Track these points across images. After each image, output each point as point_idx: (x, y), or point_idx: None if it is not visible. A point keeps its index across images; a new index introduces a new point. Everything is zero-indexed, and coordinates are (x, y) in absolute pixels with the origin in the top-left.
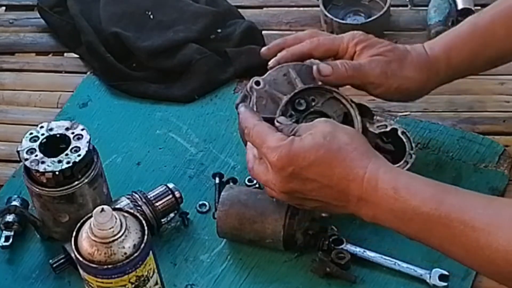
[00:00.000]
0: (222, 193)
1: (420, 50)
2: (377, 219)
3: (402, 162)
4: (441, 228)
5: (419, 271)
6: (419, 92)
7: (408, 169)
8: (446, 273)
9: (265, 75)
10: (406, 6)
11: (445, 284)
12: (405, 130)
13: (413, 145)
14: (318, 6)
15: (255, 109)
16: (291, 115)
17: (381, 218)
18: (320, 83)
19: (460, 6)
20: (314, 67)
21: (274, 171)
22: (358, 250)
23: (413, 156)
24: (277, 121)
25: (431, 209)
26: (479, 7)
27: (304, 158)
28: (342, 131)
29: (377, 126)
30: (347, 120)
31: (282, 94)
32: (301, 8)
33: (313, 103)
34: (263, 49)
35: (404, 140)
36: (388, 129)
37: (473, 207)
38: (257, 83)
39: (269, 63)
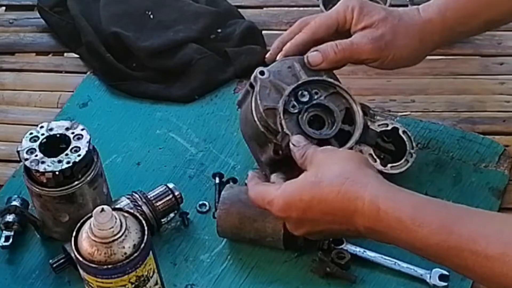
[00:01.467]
0: (223, 192)
1: (413, 13)
2: (395, 244)
3: (402, 161)
4: (453, 258)
5: (419, 271)
6: (415, 57)
7: (408, 168)
8: (446, 273)
9: (270, 66)
10: (406, 6)
11: (445, 284)
12: (406, 130)
13: (414, 144)
14: (318, 6)
15: (258, 99)
16: (293, 106)
17: (394, 243)
18: (324, 76)
19: None
20: (305, 59)
21: (286, 222)
22: (358, 250)
23: (414, 155)
24: (292, 143)
25: (440, 240)
26: None
27: (300, 201)
28: (332, 160)
29: (378, 125)
30: (349, 115)
31: (286, 85)
32: (301, 8)
33: (315, 96)
34: (267, 55)
35: (405, 139)
36: (389, 127)
37: (485, 236)
38: (262, 72)
39: (277, 58)
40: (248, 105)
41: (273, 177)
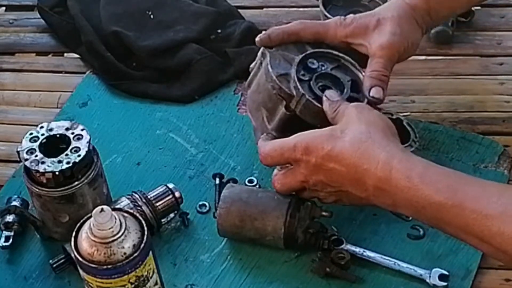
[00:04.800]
0: (223, 191)
1: (398, 4)
2: (396, 207)
3: (406, 145)
4: (454, 217)
5: (419, 271)
6: (418, 40)
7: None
8: (446, 273)
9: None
10: None
11: (445, 284)
12: (409, 122)
13: (417, 134)
14: (318, 6)
15: (270, 68)
16: (303, 74)
17: (399, 206)
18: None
19: None
20: (367, 96)
21: (302, 167)
22: (358, 250)
23: (417, 143)
24: (326, 96)
25: (445, 198)
26: (478, 7)
27: (322, 148)
28: (361, 119)
29: (383, 113)
30: (355, 86)
31: (294, 55)
32: (301, 8)
33: (323, 68)
34: (259, 36)
35: (409, 129)
36: (394, 117)
37: (487, 196)
38: (270, 47)
39: (257, 37)
40: (260, 75)
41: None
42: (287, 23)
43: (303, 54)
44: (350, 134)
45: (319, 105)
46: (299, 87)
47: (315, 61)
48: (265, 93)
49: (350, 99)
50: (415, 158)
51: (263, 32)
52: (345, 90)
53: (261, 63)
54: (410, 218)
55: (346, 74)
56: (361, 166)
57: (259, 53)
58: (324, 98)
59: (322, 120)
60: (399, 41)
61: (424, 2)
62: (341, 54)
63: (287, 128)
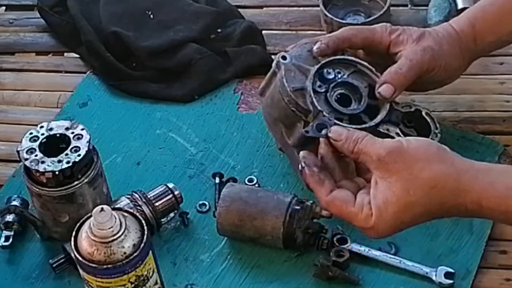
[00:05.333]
0: (223, 190)
1: (446, 27)
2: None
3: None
4: None
5: (425, 269)
6: (459, 66)
7: None
8: (452, 270)
9: (290, 51)
10: (406, 5)
11: (451, 281)
12: (428, 111)
13: (438, 125)
14: (318, 6)
15: (285, 82)
16: (319, 86)
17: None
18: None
19: (460, 5)
20: (377, 94)
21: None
22: (362, 249)
23: (439, 135)
24: (333, 139)
25: None
26: None
27: (402, 223)
28: (418, 170)
29: (402, 107)
30: (372, 91)
31: (310, 66)
32: (301, 8)
33: (339, 75)
34: (318, 47)
35: (429, 120)
36: (412, 109)
37: None
38: (284, 57)
39: (315, 49)
40: (274, 88)
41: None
42: (287, 23)
43: (319, 65)
44: (419, 194)
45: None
46: (316, 103)
47: (331, 70)
48: (282, 109)
49: (368, 107)
50: (498, 188)
51: (318, 42)
52: (363, 98)
53: (274, 73)
54: None
55: (363, 79)
56: (449, 213)
57: (273, 64)
58: (332, 141)
59: None
60: (430, 58)
61: (470, 26)
62: (356, 59)
63: (307, 143)
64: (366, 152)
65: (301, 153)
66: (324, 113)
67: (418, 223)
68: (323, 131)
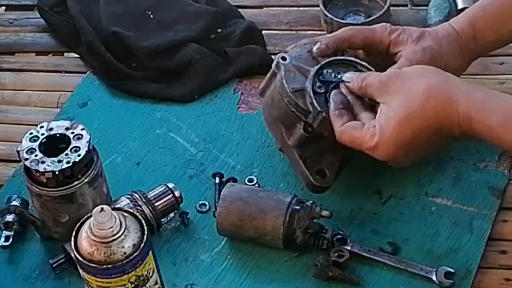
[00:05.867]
0: (223, 190)
1: (446, 27)
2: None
3: None
4: None
5: (425, 269)
6: (459, 66)
7: None
8: (452, 270)
9: (290, 51)
10: (406, 5)
11: (451, 281)
12: None
13: None
14: (318, 6)
15: (284, 82)
16: (319, 86)
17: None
18: (345, 55)
19: (460, 5)
20: None
21: (388, 161)
22: (362, 249)
23: None
24: (345, 80)
25: None
26: None
27: (404, 138)
28: (414, 86)
29: None
30: None
31: (309, 67)
32: (301, 8)
33: (339, 76)
34: (318, 48)
35: None
36: None
37: None
38: (284, 58)
39: (315, 49)
40: (274, 88)
41: (348, 75)
42: (287, 23)
43: (319, 65)
44: (417, 106)
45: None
46: (315, 104)
47: (330, 70)
48: (281, 110)
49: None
50: (489, 103)
51: (317, 43)
52: (363, 100)
53: (274, 73)
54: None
55: None
56: (445, 127)
57: (273, 64)
58: (345, 83)
59: None
60: (430, 58)
61: (470, 25)
62: (357, 60)
63: (307, 144)
64: (371, 83)
65: (333, 92)
66: (324, 113)
67: (420, 143)
68: (339, 75)
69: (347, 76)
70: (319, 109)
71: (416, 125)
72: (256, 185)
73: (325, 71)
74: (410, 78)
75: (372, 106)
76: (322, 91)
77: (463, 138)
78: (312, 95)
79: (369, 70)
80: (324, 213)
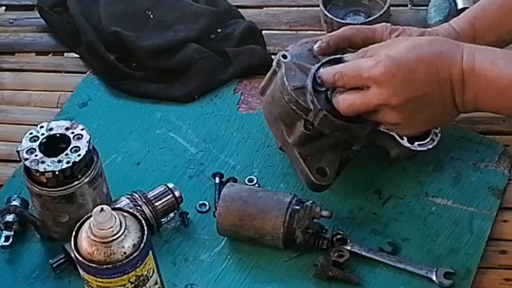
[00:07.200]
0: (223, 190)
1: (446, 27)
2: (478, 99)
3: (428, 139)
4: None
5: (425, 269)
6: None
7: (434, 146)
8: (452, 270)
9: (291, 50)
10: (406, 5)
11: (451, 281)
12: None
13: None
14: (318, 6)
15: (285, 80)
16: (320, 84)
17: (481, 97)
18: (345, 54)
19: (460, 5)
20: None
21: (385, 87)
22: (362, 249)
23: (439, 135)
24: (344, 59)
25: None
26: None
27: (407, 61)
28: (421, 37)
29: None
30: None
31: (310, 65)
32: (301, 8)
33: None
34: (319, 46)
35: None
36: None
37: None
38: (284, 56)
39: (315, 47)
40: (274, 87)
41: (349, 55)
42: (287, 23)
43: (319, 64)
44: (425, 42)
45: (337, 120)
46: (316, 102)
47: None
48: (282, 108)
49: None
50: (493, 48)
51: (318, 41)
52: None
53: (275, 72)
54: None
55: None
56: (448, 65)
57: (274, 62)
58: (350, 56)
59: (341, 132)
60: None
61: (470, 25)
62: None
63: (307, 142)
64: (374, 45)
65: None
66: (325, 111)
67: (420, 76)
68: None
69: (349, 56)
70: (319, 107)
71: (420, 53)
72: (256, 185)
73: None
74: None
75: None
76: (323, 89)
77: (462, 93)
78: (312, 93)
79: None
80: (324, 213)
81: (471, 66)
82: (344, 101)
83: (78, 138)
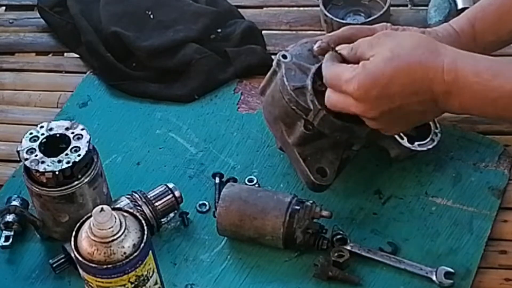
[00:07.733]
0: (223, 190)
1: (446, 27)
2: (464, 107)
3: (428, 139)
4: None
5: (425, 269)
6: None
7: (434, 146)
8: (452, 270)
9: (291, 50)
10: (406, 5)
11: (451, 281)
12: None
13: (438, 124)
14: (318, 6)
15: (285, 80)
16: (320, 84)
17: (466, 106)
18: None
19: (460, 5)
20: None
21: (360, 101)
22: (362, 249)
23: (439, 135)
24: (336, 51)
25: None
26: None
27: (383, 75)
28: (404, 39)
29: None
30: None
31: (310, 65)
32: (301, 8)
33: None
34: (318, 46)
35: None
36: None
37: None
38: (284, 56)
39: (315, 47)
40: (274, 87)
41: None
42: (287, 23)
43: (319, 63)
44: (404, 51)
45: (336, 120)
46: (316, 102)
47: None
48: (282, 108)
49: None
50: (477, 56)
51: (318, 41)
52: None
53: (275, 72)
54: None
55: None
56: (426, 77)
57: (274, 63)
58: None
59: (341, 132)
60: None
61: (470, 26)
62: None
63: (307, 142)
64: (362, 41)
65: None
66: (324, 111)
67: (397, 89)
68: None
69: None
70: (319, 107)
71: (397, 64)
72: (256, 185)
73: None
74: (401, 35)
75: None
76: (323, 88)
77: (445, 102)
78: (312, 93)
79: None
80: (324, 213)
81: (453, 77)
82: (328, 99)
83: (78, 138)
